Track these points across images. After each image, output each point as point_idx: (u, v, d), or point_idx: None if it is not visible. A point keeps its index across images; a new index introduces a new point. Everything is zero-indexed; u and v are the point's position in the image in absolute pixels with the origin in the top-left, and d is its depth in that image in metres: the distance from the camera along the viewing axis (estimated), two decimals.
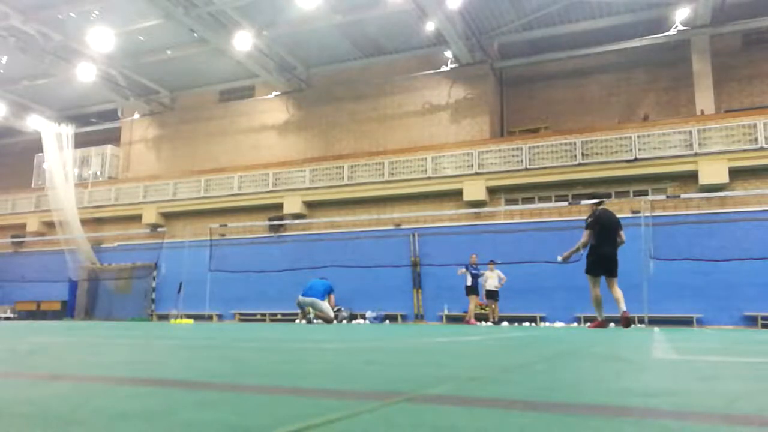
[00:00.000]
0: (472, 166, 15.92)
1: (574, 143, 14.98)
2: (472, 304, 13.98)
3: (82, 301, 19.75)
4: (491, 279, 13.89)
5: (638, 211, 13.54)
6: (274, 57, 18.96)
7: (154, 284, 18.54)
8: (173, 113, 22.28)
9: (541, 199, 15.47)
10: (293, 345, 3.35)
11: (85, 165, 22.07)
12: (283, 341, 3.80)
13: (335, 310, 16.24)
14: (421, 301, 15.86)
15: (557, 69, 18.21)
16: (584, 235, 8.48)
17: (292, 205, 17.77)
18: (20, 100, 22.66)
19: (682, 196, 13.36)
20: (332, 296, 12.59)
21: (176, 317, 15.39)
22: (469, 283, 13.90)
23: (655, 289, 12.43)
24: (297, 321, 16.21)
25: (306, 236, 17.42)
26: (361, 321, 15.53)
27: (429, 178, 16.34)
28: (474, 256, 13.96)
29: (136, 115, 22.60)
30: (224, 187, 18.96)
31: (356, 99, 19.32)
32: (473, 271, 13.93)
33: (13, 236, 21.47)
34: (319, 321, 12.42)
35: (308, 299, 12.21)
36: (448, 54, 17.73)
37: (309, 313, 12.42)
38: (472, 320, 13.86)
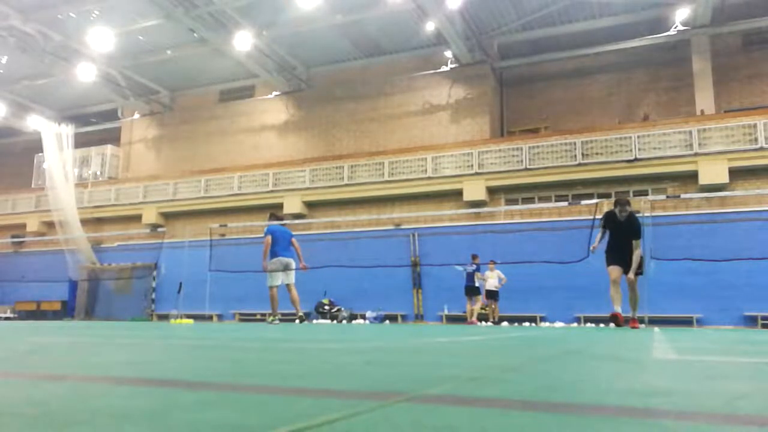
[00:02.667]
0: (472, 166, 15.92)
1: (574, 143, 14.98)
2: (478, 304, 13.99)
3: (82, 301, 19.74)
4: (491, 279, 13.90)
5: (638, 211, 13.50)
6: (274, 57, 18.97)
7: (154, 284, 18.55)
8: (173, 113, 22.28)
9: (541, 199, 15.47)
10: (293, 345, 3.35)
11: (85, 165, 22.07)
12: (283, 341, 3.80)
13: (335, 310, 16.25)
14: (421, 301, 15.86)
15: (557, 69, 18.22)
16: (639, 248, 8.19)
17: (292, 205, 17.77)
18: (20, 100, 22.67)
19: (682, 196, 13.35)
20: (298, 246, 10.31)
21: (176, 317, 15.38)
22: (475, 284, 13.94)
23: (655, 289, 12.42)
24: (296, 321, 16.19)
25: (306, 236, 17.40)
26: (361, 321, 15.53)
27: (429, 178, 16.34)
28: (475, 257, 13.95)
29: (136, 115, 22.60)
30: (224, 187, 18.97)
31: (356, 99, 19.33)
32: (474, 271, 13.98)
33: (13, 236, 21.47)
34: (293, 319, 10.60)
35: (285, 260, 10.12)
36: (448, 54, 17.74)
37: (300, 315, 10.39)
38: (474, 320, 13.88)
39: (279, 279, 10.00)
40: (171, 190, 19.74)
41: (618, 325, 7.99)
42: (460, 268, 13.92)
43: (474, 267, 13.86)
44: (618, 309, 8.02)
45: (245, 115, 21.04)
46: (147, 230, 19.55)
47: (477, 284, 13.96)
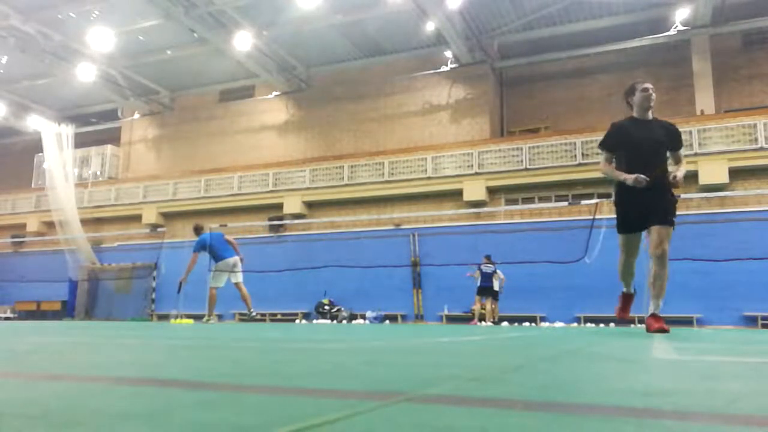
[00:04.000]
0: (472, 166, 15.93)
1: (574, 143, 14.99)
2: (494, 305, 13.94)
3: (82, 301, 19.75)
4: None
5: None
6: (274, 57, 18.97)
7: (154, 284, 18.54)
8: (173, 113, 22.29)
9: (541, 199, 15.48)
10: (293, 345, 3.35)
11: (85, 165, 22.08)
12: (283, 341, 3.80)
13: (335, 310, 16.26)
14: (421, 301, 15.86)
15: (557, 69, 18.22)
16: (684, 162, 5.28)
17: (292, 205, 17.78)
18: (20, 100, 22.67)
19: (682, 196, 13.32)
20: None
21: (176, 317, 15.39)
22: (493, 286, 13.90)
23: None
24: (297, 321, 16.21)
25: (306, 236, 17.42)
26: (361, 321, 15.54)
27: (429, 178, 16.35)
28: (488, 257, 13.90)
29: (136, 115, 22.61)
30: (224, 187, 18.97)
31: (356, 99, 19.33)
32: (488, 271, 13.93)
33: (13, 236, 21.47)
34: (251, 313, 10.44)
35: (231, 261, 10.12)
36: (448, 54, 17.75)
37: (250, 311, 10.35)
38: (476, 320, 13.90)
39: (223, 281, 10.13)
40: (171, 190, 19.75)
41: (624, 318, 5.55)
42: (477, 269, 13.80)
43: (492, 268, 13.81)
44: (631, 289, 5.58)
45: (245, 115, 21.05)
46: (147, 230, 19.55)
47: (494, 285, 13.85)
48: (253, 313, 10.38)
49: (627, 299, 5.62)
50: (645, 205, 4.93)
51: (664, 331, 5.01)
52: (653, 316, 5.16)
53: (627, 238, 5.15)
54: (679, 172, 5.01)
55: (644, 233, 5.13)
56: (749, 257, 11.50)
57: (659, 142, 5.05)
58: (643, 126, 5.12)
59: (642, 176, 4.83)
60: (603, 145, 5.23)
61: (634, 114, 5.22)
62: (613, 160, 5.21)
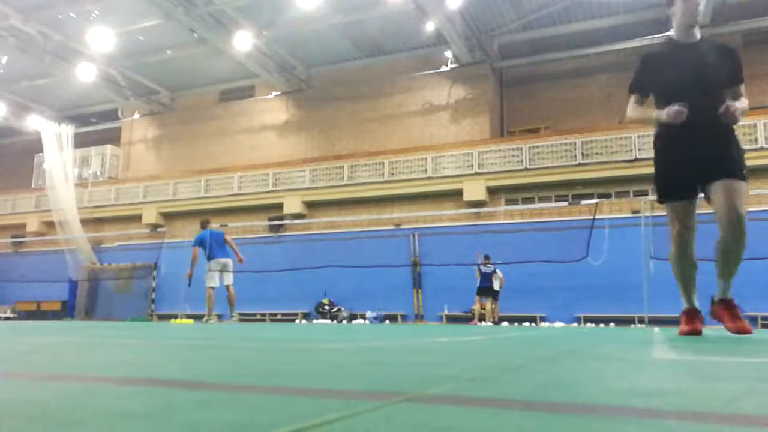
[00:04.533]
0: (472, 166, 15.93)
1: (574, 143, 14.99)
2: (494, 305, 13.92)
3: (82, 301, 19.75)
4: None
5: (638, 211, 13.55)
6: (274, 57, 18.98)
7: (154, 284, 18.54)
8: (173, 113, 22.29)
9: (541, 199, 15.48)
10: (293, 345, 3.34)
11: (85, 165, 22.09)
12: (283, 341, 3.80)
13: (335, 310, 16.26)
14: (421, 301, 15.87)
15: (557, 69, 18.22)
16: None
17: (292, 205, 17.78)
18: (20, 100, 22.68)
19: None
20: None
21: (178, 317, 15.40)
22: (493, 286, 13.88)
23: (655, 289, 12.41)
24: (297, 321, 16.21)
25: (306, 236, 17.42)
26: (361, 321, 15.54)
27: (429, 178, 16.35)
28: (487, 258, 13.88)
29: (136, 115, 22.61)
30: (224, 187, 18.98)
31: (356, 99, 19.34)
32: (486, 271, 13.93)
33: (13, 236, 21.48)
34: (233, 317, 10.61)
35: (222, 260, 10.38)
36: (448, 54, 17.76)
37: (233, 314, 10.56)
38: (476, 320, 13.90)
39: (216, 280, 10.36)
40: (171, 190, 19.75)
41: (696, 332, 4.01)
42: (477, 270, 13.77)
43: (491, 268, 13.81)
44: (695, 301, 4.17)
45: (245, 115, 21.06)
46: (147, 230, 19.55)
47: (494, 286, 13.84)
48: (234, 318, 10.52)
49: (691, 315, 4.06)
50: (700, 160, 3.72)
51: (746, 332, 3.69)
52: (724, 302, 3.86)
53: (674, 208, 3.91)
54: (738, 102, 3.76)
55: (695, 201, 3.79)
56: (749, 257, 11.48)
57: (711, 71, 3.72)
58: (687, 50, 3.77)
59: (682, 109, 3.51)
60: (631, 87, 3.90)
61: (674, 34, 3.89)
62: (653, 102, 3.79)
